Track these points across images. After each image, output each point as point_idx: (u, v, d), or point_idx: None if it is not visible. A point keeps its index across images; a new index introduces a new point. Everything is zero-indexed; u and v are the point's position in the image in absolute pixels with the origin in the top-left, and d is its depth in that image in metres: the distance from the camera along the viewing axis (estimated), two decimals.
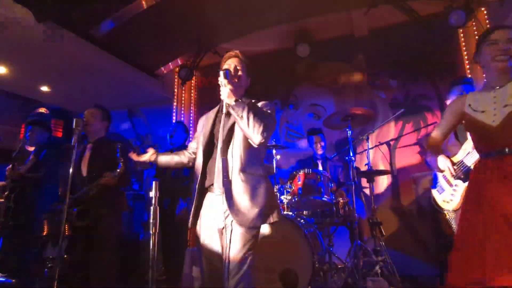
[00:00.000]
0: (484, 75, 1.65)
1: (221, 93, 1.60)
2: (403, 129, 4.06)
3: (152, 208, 1.52)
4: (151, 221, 1.51)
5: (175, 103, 5.26)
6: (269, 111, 1.69)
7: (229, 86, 1.55)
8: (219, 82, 1.60)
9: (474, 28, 3.87)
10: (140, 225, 4.60)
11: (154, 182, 1.54)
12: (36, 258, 3.35)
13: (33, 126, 3.26)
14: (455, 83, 2.69)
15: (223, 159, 1.61)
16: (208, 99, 5.27)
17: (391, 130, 4.12)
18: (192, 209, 1.72)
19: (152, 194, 1.53)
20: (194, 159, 1.88)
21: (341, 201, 3.08)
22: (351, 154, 2.97)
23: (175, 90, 5.30)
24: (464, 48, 3.93)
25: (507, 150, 1.41)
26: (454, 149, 2.42)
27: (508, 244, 1.30)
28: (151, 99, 5.28)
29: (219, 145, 1.66)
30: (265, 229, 2.56)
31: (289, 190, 2.96)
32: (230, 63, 1.81)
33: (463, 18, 3.51)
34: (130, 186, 4.61)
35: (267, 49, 4.87)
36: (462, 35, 3.99)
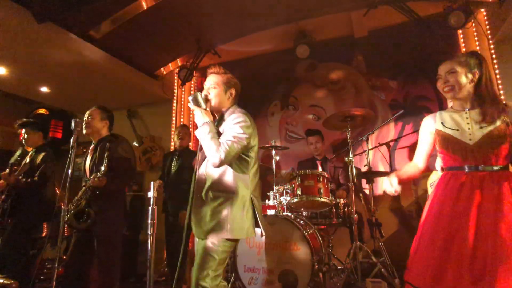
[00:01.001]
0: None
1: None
2: (403, 130, 4.06)
3: (150, 208, 1.52)
4: (149, 221, 1.51)
5: (174, 104, 5.26)
6: (236, 128, 1.68)
7: (197, 110, 1.74)
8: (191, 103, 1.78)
9: (474, 29, 3.87)
10: (141, 226, 4.60)
11: (153, 183, 1.54)
12: (35, 260, 3.35)
13: (25, 128, 3.26)
14: None
15: (198, 176, 1.78)
16: None
17: (390, 131, 4.12)
18: (187, 212, 1.77)
19: (150, 194, 1.53)
20: None
21: (341, 202, 3.07)
22: (351, 155, 2.97)
23: (175, 90, 5.31)
24: (464, 49, 3.93)
25: (480, 167, 1.49)
26: None
27: (470, 253, 1.36)
28: (151, 100, 5.29)
29: (198, 163, 1.81)
30: (263, 230, 2.55)
31: (289, 191, 2.96)
32: (206, 83, 1.88)
33: (462, 19, 3.51)
34: (129, 186, 4.60)
35: (267, 50, 4.88)
36: (461, 36, 3.99)
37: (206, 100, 1.79)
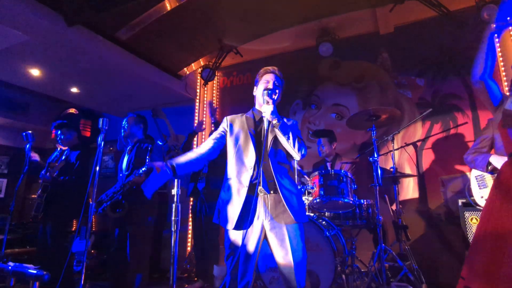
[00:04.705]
0: None
1: (263, 110, 1.78)
2: (431, 129, 3.90)
3: (174, 205, 1.54)
4: (172, 218, 1.53)
5: (197, 103, 5.34)
6: (299, 130, 1.95)
7: (271, 105, 1.77)
8: (259, 94, 1.88)
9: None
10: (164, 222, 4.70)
11: (176, 180, 1.56)
12: (66, 253, 3.52)
13: (61, 129, 3.45)
14: None
15: (274, 163, 1.80)
16: (229, 99, 5.31)
17: (418, 130, 3.97)
18: (239, 209, 1.75)
19: (174, 191, 1.55)
20: (212, 149, 1.92)
21: (365, 203, 3.00)
22: (376, 155, 2.89)
23: (198, 90, 5.38)
24: (498, 45, 3.72)
25: None
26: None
27: None
28: (175, 100, 5.39)
29: (267, 150, 1.81)
30: None
31: (311, 191, 2.92)
32: (269, 79, 1.93)
33: (495, 14, 3.31)
34: None
35: (289, 48, 4.84)
36: None
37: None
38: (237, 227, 1.73)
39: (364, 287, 2.69)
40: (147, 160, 2.75)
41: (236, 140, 1.88)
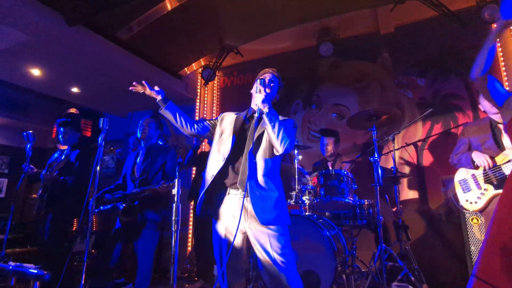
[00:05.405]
0: None
1: (255, 99, 1.77)
2: (432, 129, 3.89)
3: (174, 205, 1.54)
4: (173, 218, 1.53)
5: (198, 103, 5.34)
6: (294, 128, 1.85)
7: (263, 94, 1.74)
8: (254, 89, 1.82)
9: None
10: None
11: (176, 180, 1.56)
12: (67, 252, 3.52)
13: (65, 128, 3.43)
14: None
15: (252, 161, 1.75)
16: (230, 98, 5.31)
17: (418, 130, 3.97)
18: (202, 198, 1.78)
19: (174, 191, 1.55)
20: (198, 122, 1.99)
21: (366, 203, 2.99)
22: (376, 155, 2.88)
23: (198, 90, 5.38)
24: (499, 45, 3.72)
25: None
26: (490, 152, 2.31)
27: None
28: (175, 99, 5.36)
29: (249, 147, 1.78)
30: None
31: (311, 191, 2.92)
32: (265, 76, 1.96)
33: (496, 13, 3.32)
34: None
35: (289, 48, 4.84)
36: None
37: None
38: (199, 213, 1.80)
39: (365, 287, 2.69)
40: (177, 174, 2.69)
41: (221, 133, 1.91)
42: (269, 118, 1.71)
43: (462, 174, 2.50)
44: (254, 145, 1.76)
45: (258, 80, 1.81)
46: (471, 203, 2.37)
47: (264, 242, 1.67)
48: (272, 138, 1.71)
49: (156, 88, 2.00)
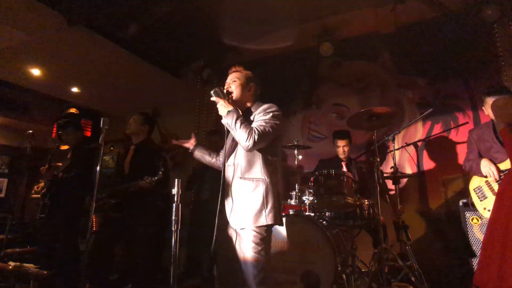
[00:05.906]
0: None
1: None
2: (432, 129, 3.89)
3: (174, 205, 1.54)
4: (173, 218, 1.53)
5: (197, 103, 5.33)
6: (268, 115, 1.78)
7: (221, 101, 1.78)
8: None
9: (510, 23, 3.64)
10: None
11: (176, 180, 1.56)
12: (75, 252, 3.52)
13: (65, 128, 3.43)
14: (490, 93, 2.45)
15: (227, 167, 1.83)
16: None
17: (418, 130, 3.96)
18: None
19: (174, 191, 1.55)
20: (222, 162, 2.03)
21: (366, 203, 2.99)
22: (376, 155, 2.88)
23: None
24: (499, 44, 3.71)
25: None
26: (498, 156, 2.29)
27: None
28: (175, 99, 5.39)
29: (226, 155, 1.87)
30: (285, 229, 2.53)
31: (311, 190, 2.92)
32: (229, 79, 1.96)
33: (497, 12, 3.32)
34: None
35: (289, 48, 4.82)
36: (496, 30, 3.77)
37: (228, 93, 1.87)
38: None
39: (365, 287, 2.68)
40: (161, 169, 2.71)
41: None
42: (226, 122, 1.75)
43: (476, 181, 2.48)
44: (230, 150, 1.86)
45: (212, 92, 1.84)
46: (489, 210, 2.29)
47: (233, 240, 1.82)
48: (234, 137, 1.77)
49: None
